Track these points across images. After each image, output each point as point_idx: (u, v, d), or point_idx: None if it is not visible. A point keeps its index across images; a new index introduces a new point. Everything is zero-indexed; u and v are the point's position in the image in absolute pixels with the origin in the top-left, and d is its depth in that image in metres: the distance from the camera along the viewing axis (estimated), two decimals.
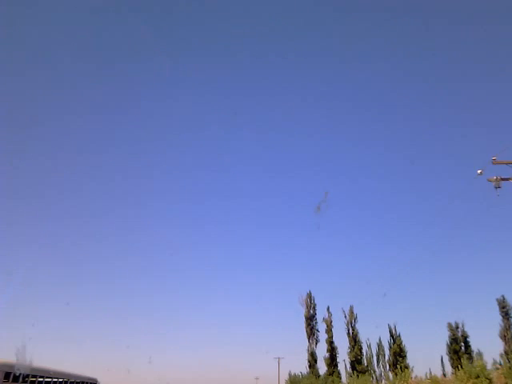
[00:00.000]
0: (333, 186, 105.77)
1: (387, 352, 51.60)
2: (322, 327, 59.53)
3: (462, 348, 44.98)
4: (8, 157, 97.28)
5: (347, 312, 55.00)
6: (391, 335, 51.74)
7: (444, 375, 45.76)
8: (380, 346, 53.02)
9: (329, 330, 56.17)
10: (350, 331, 53.66)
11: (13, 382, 17.39)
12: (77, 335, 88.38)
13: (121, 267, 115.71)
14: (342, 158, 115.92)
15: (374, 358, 51.55)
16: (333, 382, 44.78)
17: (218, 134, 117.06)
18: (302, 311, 62.25)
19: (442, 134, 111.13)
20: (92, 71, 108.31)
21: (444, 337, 46.30)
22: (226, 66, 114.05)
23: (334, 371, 49.44)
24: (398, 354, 48.54)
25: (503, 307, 44.21)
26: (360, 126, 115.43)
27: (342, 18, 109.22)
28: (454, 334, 45.62)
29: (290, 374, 52.91)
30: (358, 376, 45.52)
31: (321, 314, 61.12)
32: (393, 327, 52.03)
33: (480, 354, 44.55)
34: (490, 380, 31.22)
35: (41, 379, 21.31)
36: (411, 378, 41.72)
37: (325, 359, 55.00)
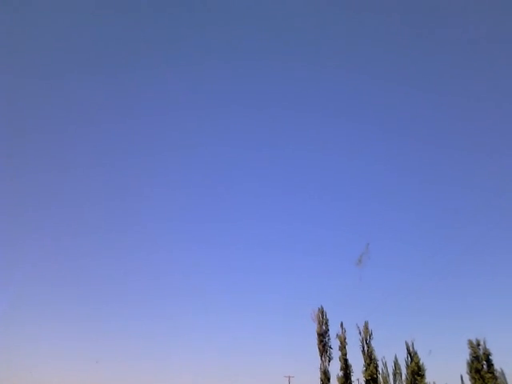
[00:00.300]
0: None
1: (404, 371, 49.53)
2: (334, 344, 57.64)
3: (484, 367, 42.82)
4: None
5: (362, 328, 53.09)
6: (408, 352, 49.67)
7: None
8: (396, 364, 51.04)
9: (342, 347, 54.23)
10: (365, 348, 51.68)
11: None
12: None
13: None
14: None
15: (391, 377, 49.42)
16: None
17: None
18: (314, 327, 60.52)
19: None
20: None
21: (464, 354, 44.25)
22: None
23: None
24: (416, 373, 46.43)
25: None
26: None
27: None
28: (475, 352, 43.52)
29: None
30: None
31: (333, 330, 59.34)
32: (410, 344, 50.05)
33: (503, 374, 42.42)
34: None
35: None
36: None
37: (338, 378, 52.93)
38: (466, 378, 44.36)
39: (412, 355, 48.98)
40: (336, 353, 56.98)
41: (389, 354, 56.83)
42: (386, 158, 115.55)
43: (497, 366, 43.23)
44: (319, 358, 57.67)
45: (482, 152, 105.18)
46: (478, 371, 42.48)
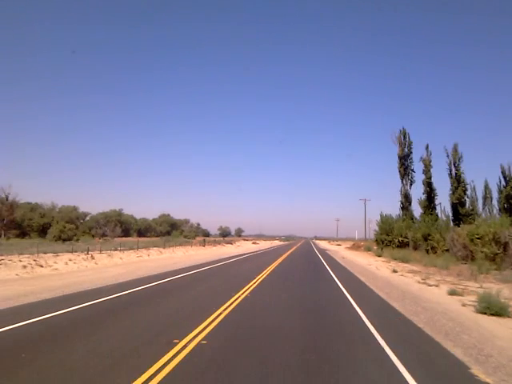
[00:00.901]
0: None
1: (496, 195, 46.15)
2: (417, 168, 54.79)
3: None
4: None
5: (450, 151, 48.40)
6: (504, 176, 45.23)
7: None
8: (487, 188, 47.38)
9: (427, 171, 50.98)
10: (453, 171, 47.90)
11: None
12: None
13: None
14: None
15: (480, 202, 46.59)
16: (437, 224, 41.70)
17: None
18: (395, 150, 57.10)
19: None
20: None
21: None
22: None
23: (431, 213, 46.03)
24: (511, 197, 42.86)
25: None
26: None
27: None
28: None
29: (381, 216, 51.03)
30: (461, 220, 41.71)
31: (417, 155, 55.66)
32: (506, 168, 45.11)
33: None
34: None
35: None
36: None
37: (420, 202, 51.60)
38: None
39: (508, 179, 44.60)
40: (419, 177, 54.44)
41: (478, 180, 52.76)
42: None
43: None
44: (400, 181, 56.03)
45: None
46: None
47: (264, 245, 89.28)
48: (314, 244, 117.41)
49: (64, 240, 61.70)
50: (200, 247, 54.22)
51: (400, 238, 46.15)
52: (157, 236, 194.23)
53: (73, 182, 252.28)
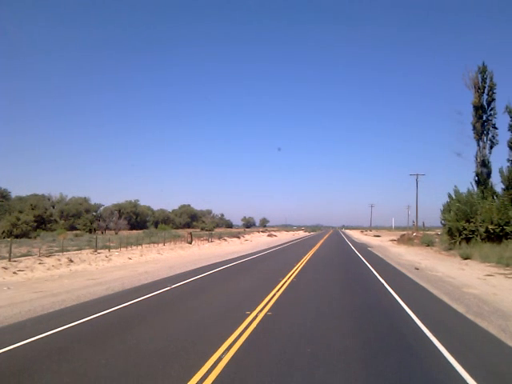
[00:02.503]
0: None
1: None
2: (501, 122, 36.10)
3: None
4: None
5: None
6: None
7: None
8: None
9: None
10: None
11: None
12: None
13: None
14: None
15: None
16: None
17: None
18: (470, 97, 38.48)
19: None
20: None
21: None
22: None
23: None
24: None
25: None
26: None
27: None
28: None
29: (456, 192, 32.91)
30: None
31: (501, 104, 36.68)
32: None
33: None
34: None
35: None
36: None
37: (503, 172, 33.29)
38: None
39: None
40: (504, 136, 35.83)
41: None
42: None
43: None
44: (475, 142, 37.53)
45: None
46: None
47: (282, 237, 72.32)
48: (346, 235, 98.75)
49: (17, 236, 47.10)
50: (185, 244, 37.98)
51: (491, 227, 28.10)
52: (176, 228, 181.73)
53: (89, 174, 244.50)
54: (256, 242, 48.36)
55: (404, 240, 47.84)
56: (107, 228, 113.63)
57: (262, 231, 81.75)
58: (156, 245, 36.12)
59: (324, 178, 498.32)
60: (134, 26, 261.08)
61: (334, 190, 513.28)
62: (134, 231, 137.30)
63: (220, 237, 49.83)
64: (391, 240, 53.49)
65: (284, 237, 74.46)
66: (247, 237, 58.82)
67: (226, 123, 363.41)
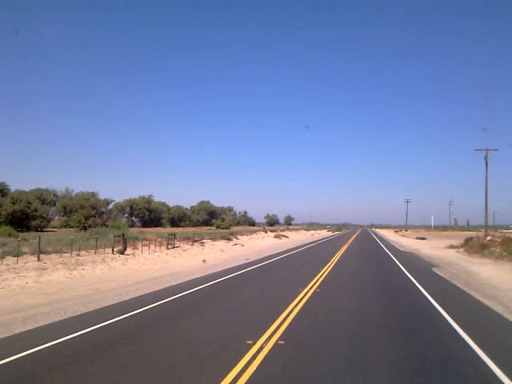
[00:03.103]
0: None
1: None
2: None
3: None
4: None
5: None
6: None
7: None
8: None
9: None
10: None
11: None
12: None
13: None
14: None
15: None
16: None
17: None
18: None
19: None
20: None
21: None
22: None
23: None
24: None
25: None
26: None
27: None
28: None
29: None
30: None
31: None
32: None
33: None
34: None
35: None
36: None
37: None
38: None
39: None
40: None
41: None
42: None
43: None
44: None
45: None
46: None
47: (295, 239, 55.95)
48: (378, 236, 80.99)
49: None
50: (116, 256, 22.74)
51: None
52: (193, 226, 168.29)
53: (104, 169, 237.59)
54: (246, 249, 32.90)
55: (475, 247, 31.08)
56: (104, 225, 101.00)
57: (271, 231, 65.75)
58: (76, 253, 21.42)
59: (352, 174, 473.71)
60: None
61: (362, 185, 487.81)
62: (147, 229, 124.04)
63: (195, 240, 34.39)
64: (450, 246, 36.49)
65: (297, 238, 58.10)
66: (244, 239, 43.17)
67: (253, 119, 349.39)
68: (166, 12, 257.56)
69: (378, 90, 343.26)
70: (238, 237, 44.22)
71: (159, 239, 30.75)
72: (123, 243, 24.33)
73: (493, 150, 42.38)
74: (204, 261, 23.04)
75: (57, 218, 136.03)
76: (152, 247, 27.54)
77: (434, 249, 35.66)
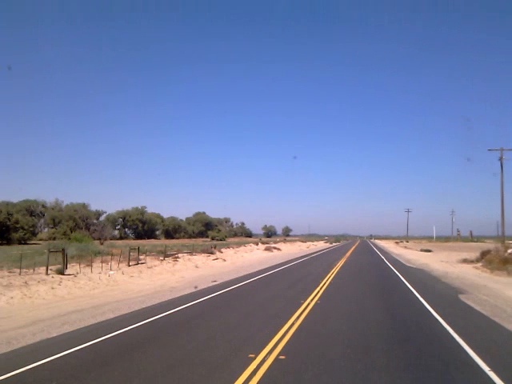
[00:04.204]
0: None
1: None
2: None
3: None
4: None
5: None
6: None
7: None
8: None
9: None
10: None
11: None
12: None
13: None
14: None
15: None
16: None
17: None
18: None
19: None
20: None
21: None
22: None
23: None
24: None
25: None
26: None
27: None
28: None
29: None
30: None
31: None
32: None
33: None
34: None
35: None
36: None
37: None
38: None
39: None
40: None
41: None
42: None
43: None
44: None
45: None
46: None
47: (289, 251, 50.73)
48: (378, 248, 75.88)
49: None
50: (125, 266, 17.93)
51: None
52: (188, 237, 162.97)
53: (97, 180, 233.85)
54: (227, 264, 27.87)
55: (495, 262, 26.30)
56: (91, 237, 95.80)
57: (262, 243, 60.78)
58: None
59: (350, 184, 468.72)
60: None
61: (361, 195, 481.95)
62: (140, 241, 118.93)
63: (169, 255, 29.55)
64: (463, 261, 31.53)
65: (291, 251, 52.57)
66: (229, 253, 38.01)
67: (246, 129, 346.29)
68: (179, 25, 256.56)
69: (374, 98, 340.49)
70: (223, 250, 39.24)
71: (132, 253, 25.99)
72: (63, 260, 19.54)
73: (508, 149, 37.95)
74: (163, 284, 18.25)
75: (46, 230, 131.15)
76: (113, 264, 22.78)
77: (445, 264, 30.81)
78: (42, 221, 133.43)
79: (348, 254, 47.52)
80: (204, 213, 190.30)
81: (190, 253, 32.84)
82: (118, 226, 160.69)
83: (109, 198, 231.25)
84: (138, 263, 24.76)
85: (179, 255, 31.33)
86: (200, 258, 31.31)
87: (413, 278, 21.42)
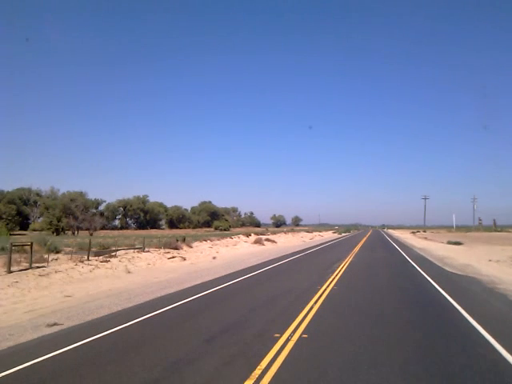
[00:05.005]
0: None
1: None
2: None
3: None
4: None
5: None
6: None
7: None
8: None
9: None
10: None
11: None
12: None
13: None
14: None
15: None
16: None
17: None
18: None
19: None
20: None
21: None
22: None
23: None
24: None
25: None
26: None
27: None
28: None
29: None
30: None
31: None
32: None
33: None
34: None
35: None
36: None
37: None
38: None
39: None
40: None
41: None
42: None
43: None
44: None
45: None
46: None
47: (286, 245, 41.45)
48: (393, 238, 66.12)
49: None
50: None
51: None
52: (193, 227, 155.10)
53: (102, 169, 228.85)
54: (181, 267, 19.11)
55: None
56: (79, 228, 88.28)
57: (256, 234, 51.80)
58: None
59: (362, 172, 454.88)
60: None
61: (374, 184, 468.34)
62: (140, 231, 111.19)
63: (97, 253, 20.94)
64: None
65: (288, 244, 43.88)
66: (202, 247, 29.12)
67: (255, 116, 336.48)
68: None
69: (387, 86, 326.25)
70: (196, 244, 30.54)
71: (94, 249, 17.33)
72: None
73: None
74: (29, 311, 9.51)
75: (40, 219, 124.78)
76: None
77: (500, 266, 21.26)
78: (37, 210, 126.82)
79: (357, 247, 38.05)
80: (210, 202, 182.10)
81: (138, 250, 24.06)
82: (119, 216, 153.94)
83: (109, 188, 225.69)
84: (30, 267, 16.11)
85: (125, 252, 22.76)
86: (152, 257, 22.60)
87: (471, 301, 11.79)
